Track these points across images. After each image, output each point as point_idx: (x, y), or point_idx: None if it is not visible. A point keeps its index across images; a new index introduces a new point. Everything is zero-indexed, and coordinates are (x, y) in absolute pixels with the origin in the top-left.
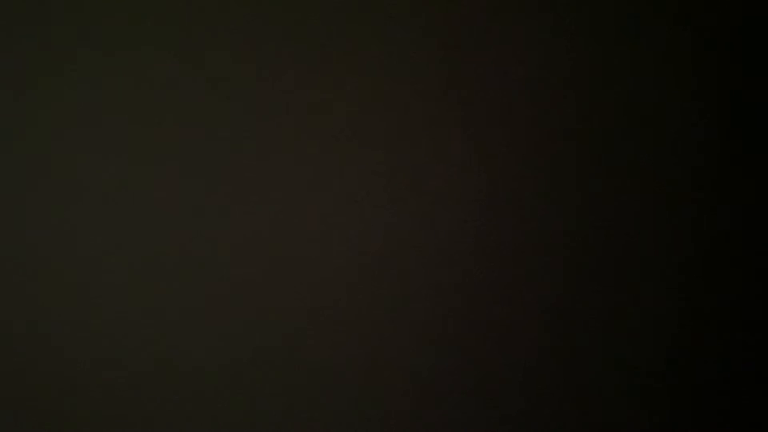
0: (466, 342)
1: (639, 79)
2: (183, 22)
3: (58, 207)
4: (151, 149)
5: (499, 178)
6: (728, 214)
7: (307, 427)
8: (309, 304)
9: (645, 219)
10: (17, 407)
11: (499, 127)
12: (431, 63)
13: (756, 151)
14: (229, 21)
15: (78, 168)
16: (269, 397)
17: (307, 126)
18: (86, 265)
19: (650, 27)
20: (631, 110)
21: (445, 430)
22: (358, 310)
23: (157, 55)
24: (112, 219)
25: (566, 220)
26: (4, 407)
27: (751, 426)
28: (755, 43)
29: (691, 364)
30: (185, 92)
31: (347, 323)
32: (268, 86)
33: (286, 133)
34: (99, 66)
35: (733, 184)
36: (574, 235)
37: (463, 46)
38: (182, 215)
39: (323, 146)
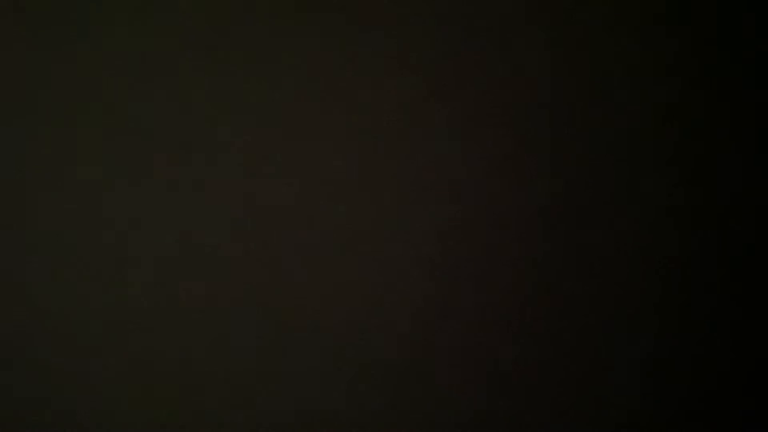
0: (462, 340)
1: (631, 79)
2: (184, 21)
3: (57, 206)
4: (151, 148)
5: (492, 177)
6: (723, 214)
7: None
8: (309, 305)
9: (639, 216)
10: (17, 408)
11: (492, 127)
12: (428, 64)
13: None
14: (230, 19)
15: (78, 167)
16: (271, 398)
17: (305, 126)
18: (86, 265)
19: (641, 27)
20: (622, 110)
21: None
22: (355, 310)
23: (157, 54)
24: (110, 219)
25: (563, 218)
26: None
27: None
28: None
29: (683, 369)
30: (186, 91)
31: (347, 323)
32: (268, 87)
33: (285, 134)
34: (98, 66)
35: (733, 185)
36: (570, 233)
37: (459, 46)
38: (182, 216)
39: (322, 145)
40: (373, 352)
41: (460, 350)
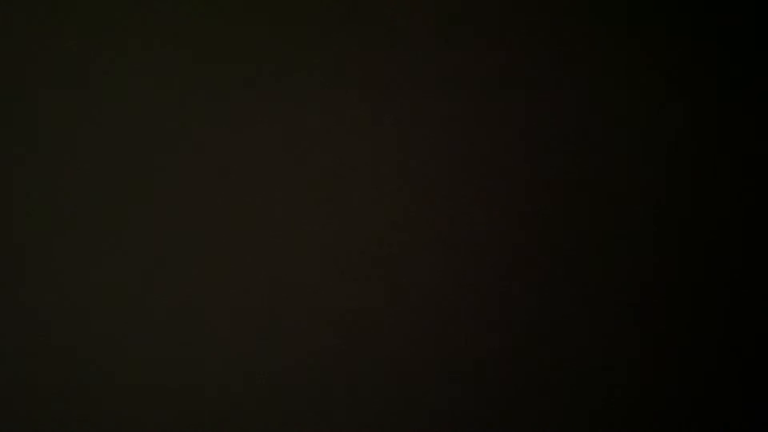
0: (458, 343)
1: (623, 81)
2: (182, 22)
3: (61, 208)
4: (151, 149)
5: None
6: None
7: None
8: (307, 306)
9: (635, 221)
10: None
11: (484, 128)
12: (424, 65)
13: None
14: (228, 20)
15: (78, 170)
16: (273, 401)
17: (304, 127)
18: (85, 269)
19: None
20: (615, 111)
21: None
22: (348, 311)
23: (156, 55)
24: (111, 221)
25: (563, 222)
26: (6, 410)
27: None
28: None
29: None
30: (185, 92)
31: (347, 324)
32: (265, 87)
33: (283, 135)
34: (99, 68)
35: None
36: (565, 236)
37: (450, 45)
38: (183, 217)
39: (321, 145)
40: (367, 353)
41: (445, 349)
